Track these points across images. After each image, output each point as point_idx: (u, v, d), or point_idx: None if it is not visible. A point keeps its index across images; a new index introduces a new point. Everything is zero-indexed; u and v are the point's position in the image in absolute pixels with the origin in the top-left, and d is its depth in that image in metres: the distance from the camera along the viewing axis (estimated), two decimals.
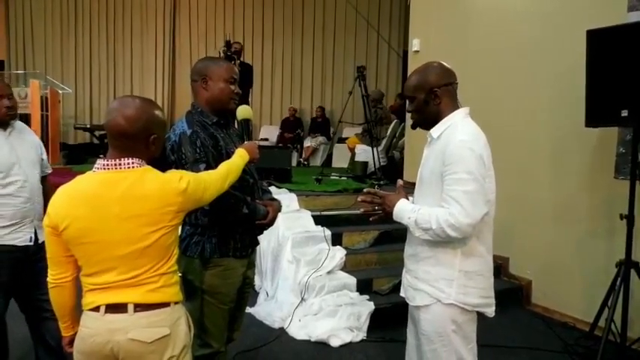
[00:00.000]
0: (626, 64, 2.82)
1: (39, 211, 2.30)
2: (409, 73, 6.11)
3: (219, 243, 1.97)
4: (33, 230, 2.29)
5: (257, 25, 10.10)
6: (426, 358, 1.85)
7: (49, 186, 2.47)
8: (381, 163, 5.86)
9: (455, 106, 1.86)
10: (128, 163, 1.50)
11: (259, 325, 3.53)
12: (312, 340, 3.30)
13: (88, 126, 9.89)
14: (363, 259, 4.16)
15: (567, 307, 3.82)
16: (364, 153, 6.36)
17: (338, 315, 3.42)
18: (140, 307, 1.49)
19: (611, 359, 2.96)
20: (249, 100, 7.24)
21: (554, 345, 3.38)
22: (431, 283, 1.80)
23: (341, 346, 3.21)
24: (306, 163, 8.93)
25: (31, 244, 2.28)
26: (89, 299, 1.52)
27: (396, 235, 4.39)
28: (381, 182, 5.33)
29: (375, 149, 5.70)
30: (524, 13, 4.22)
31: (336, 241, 4.18)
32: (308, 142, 9.23)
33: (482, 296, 1.83)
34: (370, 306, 3.52)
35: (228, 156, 1.96)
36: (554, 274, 3.94)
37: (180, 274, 2.09)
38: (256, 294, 3.96)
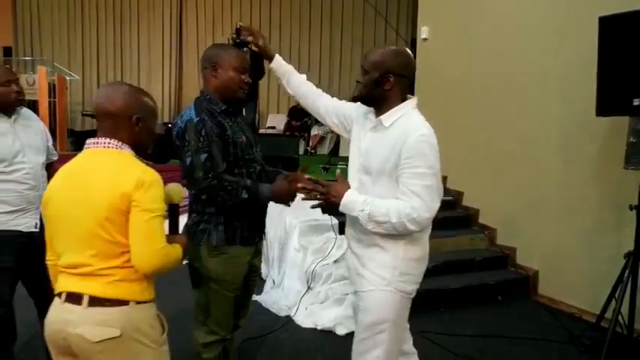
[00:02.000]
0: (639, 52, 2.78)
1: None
2: (417, 61, 6.05)
3: (225, 231, 1.97)
4: (38, 216, 2.30)
5: (264, 14, 10.03)
6: (357, 345, 1.85)
7: (54, 172, 2.47)
8: None
9: (402, 99, 1.81)
10: (105, 142, 1.52)
11: (266, 313, 3.55)
12: (319, 328, 3.32)
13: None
14: None
15: (574, 298, 3.80)
16: None
17: (344, 304, 3.43)
18: (95, 301, 1.43)
19: (618, 351, 2.94)
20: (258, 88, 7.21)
21: (560, 336, 3.37)
22: (373, 270, 1.79)
23: (347, 335, 3.22)
24: (313, 151, 8.91)
25: (37, 230, 2.29)
26: (58, 283, 1.52)
27: None
28: None
29: None
30: (535, 2, 4.16)
31: (343, 229, 4.17)
32: (315, 131, 9.20)
33: (416, 282, 1.86)
34: None
35: (235, 145, 1.95)
36: (561, 265, 3.92)
37: (185, 262, 2.10)
38: (263, 282, 3.97)
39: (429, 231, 1.88)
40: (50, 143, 2.56)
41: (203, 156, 1.85)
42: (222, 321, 2.05)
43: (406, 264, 1.78)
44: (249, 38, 2.19)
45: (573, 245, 3.80)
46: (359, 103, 1.89)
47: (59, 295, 1.49)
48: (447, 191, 5.02)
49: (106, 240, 1.44)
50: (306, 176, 1.86)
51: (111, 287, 1.45)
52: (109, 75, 10.56)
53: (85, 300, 1.43)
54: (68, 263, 1.48)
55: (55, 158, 2.59)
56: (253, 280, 2.24)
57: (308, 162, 2.71)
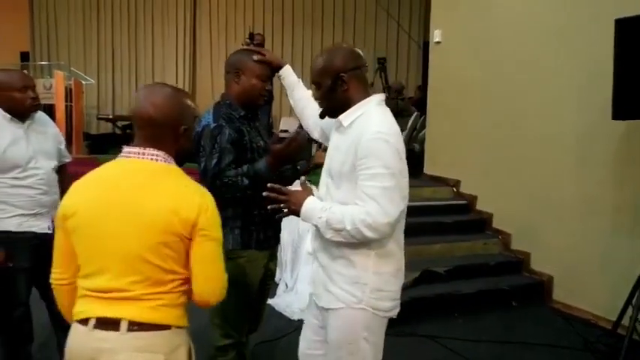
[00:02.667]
0: None
1: (56, 201, 2.31)
2: (430, 64, 6.02)
3: (241, 234, 1.99)
4: (50, 219, 2.31)
5: (277, 16, 10.07)
6: None
7: (67, 174, 2.49)
8: None
9: (366, 93, 1.69)
10: (152, 155, 1.37)
11: (279, 317, 3.55)
12: None
13: (111, 116, 10.02)
14: None
15: (589, 304, 3.75)
16: None
17: None
18: (135, 325, 1.29)
19: (635, 358, 2.90)
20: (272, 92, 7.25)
21: (575, 342, 3.33)
22: (341, 286, 1.63)
23: None
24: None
25: (50, 232, 2.31)
26: (80, 307, 1.34)
27: (415, 229, 4.36)
28: None
29: None
30: (550, 3, 4.13)
31: None
32: None
33: (393, 299, 1.69)
34: None
35: (252, 150, 1.97)
36: (576, 270, 3.88)
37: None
38: (276, 285, 3.98)
39: (401, 240, 1.73)
40: (63, 146, 2.56)
41: (214, 161, 1.88)
42: (237, 324, 2.06)
43: (379, 279, 1.62)
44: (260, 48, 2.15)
45: (589, 250, 3.76)
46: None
47: (84, 321, 1.32)
48: (460, 195, 5.00)
49: (156, 267, 1.31)
50: (269, 184, 1.69)
51: (154, 312, 1.32)
52: (123, 79, 10.67)
53: (124, 325, 1.29)
54: (100, 287, 1.32)
55: (68, 160, 2.60)
56: (269, 284, 2.25)
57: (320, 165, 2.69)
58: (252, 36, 6.57)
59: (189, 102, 1.46)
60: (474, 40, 4.92)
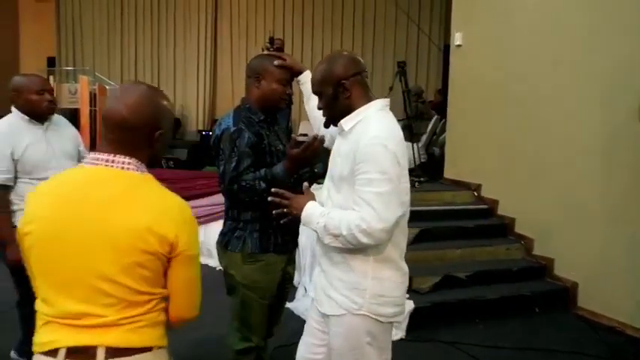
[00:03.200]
0: None
1: None
2: (451, 67, 5.98)
3: (260, 238, 2.00)
4: None
5: (297, 20, 10.12)
6: None
7: None
8: (421, 160, 5.78)
9: (367, 98, 1.69)
10: (123, 162, 1.20)
11: (297, 320, 3.55)
12: None
13: None
14: None
15: (615, 311, 3.66)
16: None
17: None
18: (114, 352, 1.14)
19: None
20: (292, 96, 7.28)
21: (601, 350, 3.26)
22: (342, 292, 1.63)
23: None
24: None
25: None
26: (44, 337, 1.16)
27: (436, 233, 4.33)
28: (421, 179, 5.26)
29: (414, 145, 5.62)
30: (575, 3, 4.06)
31: None
32: None
33: (396, 304, 1.67)
34: (409, 305, 3.49)
35: (271, 154, 1.98)
36: (602, 276, 3.79)
37: (221, 269, 2.14)
38: (295, 289, 3.99)
39: (402, 247, 1.72)
40: (82, 147, 2.65)
41: (232, 165, 1.89)
42: (255, 328, 2.07)
43: (379, 284, 1.61)
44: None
45: (615, 256, 3.67)
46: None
47: (52, 352, 1.14)
48: (481, 199, 4.94)
49: (129, 290, 1.16)
50: (273, 189, 1.72)
51: (133, 334, 1.18)
52: (146, 82, 10.83)
53: (101, 353, 1.14)
54: (68, 313, 1.15)
55: None
56: (287, 287, 2.25)
57: None
58: (271, 40, 6.64)
59: (165, 103, 1.31)
60: (495, 42, 4.86)
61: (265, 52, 6.73)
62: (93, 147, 6.62)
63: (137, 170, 1.23)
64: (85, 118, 6.51)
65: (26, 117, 2.41)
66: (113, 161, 1.20)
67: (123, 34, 10.85)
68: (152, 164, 1.30)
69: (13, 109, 2.46)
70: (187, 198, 4.93)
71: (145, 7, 10.73)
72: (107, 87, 7.35)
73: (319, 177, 2.13)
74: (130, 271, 1.16)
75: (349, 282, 1.62)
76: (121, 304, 1.17)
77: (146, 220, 1.16)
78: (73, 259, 1.16)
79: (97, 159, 1.21)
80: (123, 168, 1.21)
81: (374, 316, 1.61)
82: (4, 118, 2.50)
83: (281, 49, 7.08)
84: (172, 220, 1.19)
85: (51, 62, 10.98)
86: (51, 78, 8.30)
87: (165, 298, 1.26)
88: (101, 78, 7.56)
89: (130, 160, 1.21)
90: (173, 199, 1.25)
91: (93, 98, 6.95)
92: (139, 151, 1.23)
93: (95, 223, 1.16)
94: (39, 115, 2.41)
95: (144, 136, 1.23)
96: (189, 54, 10.60)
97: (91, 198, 1.18)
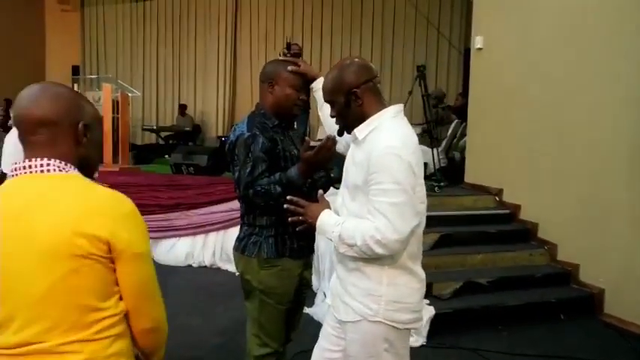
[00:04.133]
0: None
1: None
2: (472, 71, 5.93)
3: (276, 243, 1.99)
4: None
5: (316, 25, 10.16)
6: None
7: (96, 180, 2.60)
8: (441, 164, 5.72)
9: (380, 104, 1.66)
10: (41, 165, 1.08)
11: (316, 326, 3.52)
12: None
13: (155, 127, 10.35)
14: (422, 263, 4.08)
15: None
16: (423, 154, 6.21)
17: None
18: None
19: None
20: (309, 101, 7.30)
21: (630, 358, 3.16)
22: (357, 298, 1.61)
23: None
24: None
25: None
26: None
27: (456, 239, 4.28)
28: (441, 184, 5.20)
29: (434, 150, 5.57)
30: (598, 6, 3.98)
31: None
32: None
33: (413, 311, 1.64)
34: (430, 311, 3.44)
35: (286, 159, 1.98)
36: (630, 282, 3.68)
37: (237, 274, 2.14)
38: (314, 294, 3.97)
39: (418, 254, 1.70)
40: None
41: (247, 170, 1.89)
42: (273, 334, 2.06)
43: (395, 291, 1.59)
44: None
45: None
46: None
47: None
48: (502, 204, 4.86)
49: (68, 304, 1.03)
50: (287, 197, 1.71)
51: None
52: (167, 91, 11.03)
53: None
54: (4, 343, 1.03)
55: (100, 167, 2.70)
56: (304, 293, 2.24)
57: None
58: (289, 46, 6.64)
59: (82, 99, 1.19)
60: (517, 45, 4.80)
61: (282, 57, 6.75)
62: (116, 154, 6.75)
63: (59, 170, 1.09)
64: (107, 126, 6.63)
65: None
66: (30, 166, 1.08)
67: (145, 43, 11.06)
68: (88, 168, 1.17)
69: None
70: (207, 204, 5.03)
71: (167, 17, 10.92)
72: (130, 94, 7.48)
73: (335, 182, 2.11)
74: (66, 284, 1.02)
75: (364, 288, 1.61)
76: (62, 326, 1.03)
77: (70, 221, 1.03)
78: (3, 281, 1.04)
79: (16, 168, 1.10)
80: (42, 171, 1.08)
81: (390, 323, 1.60)
82: None
83: (299, 54, 7.09)
84: (103, 215, 1.06)
85: (75, 70, 11.25)
86: (75, 86, 8.48)
87: (122, 320, 1.11)
88: (124, 86, 7.69)
89: (50, 162, 1.09)
90: (103, 193, 1.10)
91: (116, 105, 7.07)
92: (62, 148, 1.11)
93: (16, 238, 1.04)
94: None
95: (65, 130, 1.11)
96: (209, 61, 10.74)
97: (11, 211, 1.06)
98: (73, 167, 1.11)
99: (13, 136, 2.54)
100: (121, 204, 1.10)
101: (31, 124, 1.09)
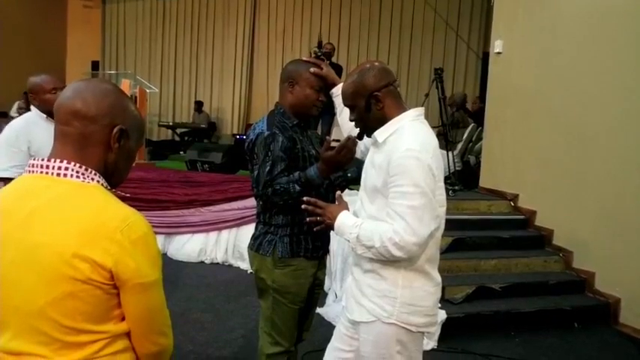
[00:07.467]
0: None
1: None
2: (490, 75, 5.87)
3: (290, 243, 2.00)
4: None
5: (333, 26, 10.16)
6: None
7: None
8: (456, 168, 5.68)
9: (401, 108, 1.67)
10: (60, 168, 0.99)
11: (328, 326, 3.54)
12: None
13: (171, 123, 10.44)
14: None
15: None
16: None
17: None
18: None
19: None
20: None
21: None
22: (372, 299, 1.63)
23: None
24: None
25: None
26: None
27: (469, 243, 4.25)
28: (456, 187, 5.17)
29: (450, 153, 5.54)
30: (621, 11, 3.92)
31: None
32: None
33: (427, 314, 1.64)
34: (442, 314, 3.42)
35: (304, 159, 1.99)
36: None
37: (252, 272, 2.15)
38: (326, 295, 3.98)
39: (435, 258, 1.70)
40: None
41: (267, 169, 1.90)
42: (286, 332, 2.07)
43: (410, 293, 1.60)
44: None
45: None
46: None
47: None
48: (518, 210, 4.82)
49: (64, 327, 0.96)
50: (305, 198, 1.71)
51: None
52: (184, 87, 11.12)
53: None
54: (3, 348, 0.99)
55: None
56: (317, 292, 2.24)
57: None
58: (320, 44, 6.56)
59: (129, 101, 1.12)
60: (537, 50, 4.74)
61: (313, 55, 6.72)
62: None
63: (77, 177, 1.00)
64: None
65: (44, 115, 2.54)
66: (47, 167, 0.99)
67: (164, 39, 11.16)
68: (112, 177, 1.08)
69: (32, 107, 2.62)
70: (221, 201, 5.06)
71: (186, 14, 11.01)
72: (148, 90, 7.55)
73: (352, 182, 2.12)
74: (61, 304, 0.95)
75: (380, 290, 1.62)
76: (55, 344, 0.96)
77: (74, 241, 0.94)
78: (2, 287, 0.98)
79: (33, 165, 1.01)
80: (59, 175, 0.99)
81: (404, 325, 1.60)
82: (22, 116, 2.65)
83: (329, 53, 7.05)
84: (110, 240, 0.95)
85: (95, 66, 11.40)
86: None
87: (118, 338, 1.03)
88: (142, 82, 7.78)
89: (68, 165, 1.00)
90: (115, 215, 0.99)
91: (134, 101, 7.16)
92: (90, 150, 1.02)
93: (19, 245, 0.97)
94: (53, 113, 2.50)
95: (99, 129, 1.02)
96: (226, 59, 10.80)
97: (18, 213, 0.98)
98: (94, 173, 1.02)
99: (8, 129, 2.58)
100: (133, 228, 0.98)
101: (67, 113, 1.02)
